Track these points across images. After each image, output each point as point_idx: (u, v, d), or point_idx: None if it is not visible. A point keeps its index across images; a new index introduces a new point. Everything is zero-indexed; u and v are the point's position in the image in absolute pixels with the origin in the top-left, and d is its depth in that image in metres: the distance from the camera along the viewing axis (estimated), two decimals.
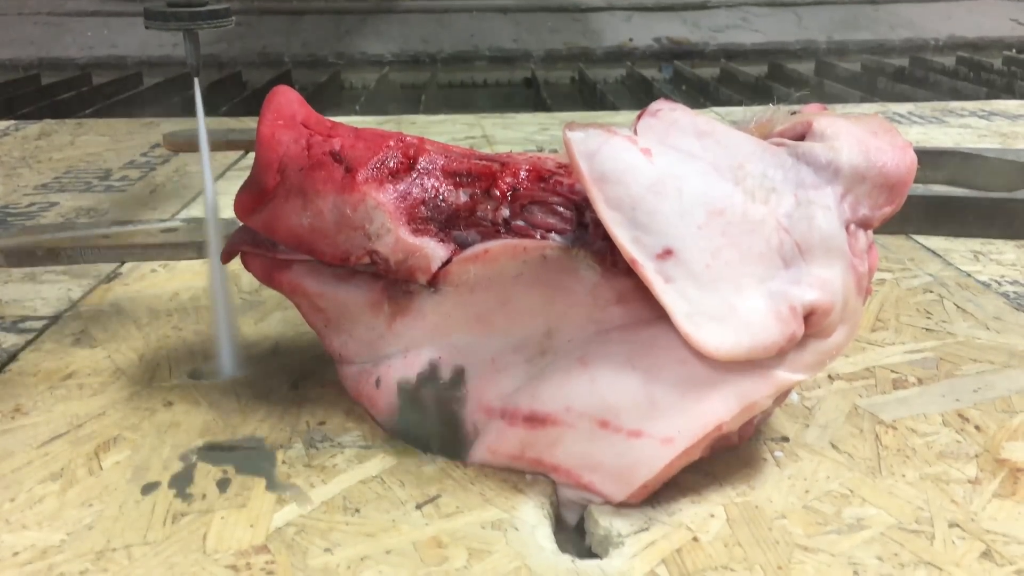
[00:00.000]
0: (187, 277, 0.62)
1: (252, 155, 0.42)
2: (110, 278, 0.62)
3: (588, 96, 1.88)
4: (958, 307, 0.56)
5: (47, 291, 0.60)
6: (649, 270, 0.34)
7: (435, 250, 0.38)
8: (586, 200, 0.36)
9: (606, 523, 0.35)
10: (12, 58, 1.97)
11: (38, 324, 0.54)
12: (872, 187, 0.36)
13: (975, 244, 0.68)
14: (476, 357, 0.38)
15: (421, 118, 1.24)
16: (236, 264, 0.44)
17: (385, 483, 0.38)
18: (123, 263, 0.65)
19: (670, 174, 0.35)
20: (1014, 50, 2.05)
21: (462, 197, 0.39)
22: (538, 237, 0.37)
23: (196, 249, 0.65)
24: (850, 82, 1.83)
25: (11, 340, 0.52)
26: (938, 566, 0.33)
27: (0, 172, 0.91)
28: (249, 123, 1.08)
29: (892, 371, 0.48)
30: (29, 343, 0.52)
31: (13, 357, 0.50)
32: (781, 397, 0.38)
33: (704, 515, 0.36)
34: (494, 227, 0.38)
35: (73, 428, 0.42)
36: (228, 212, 0.42)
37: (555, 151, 0.46)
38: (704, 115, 0.38)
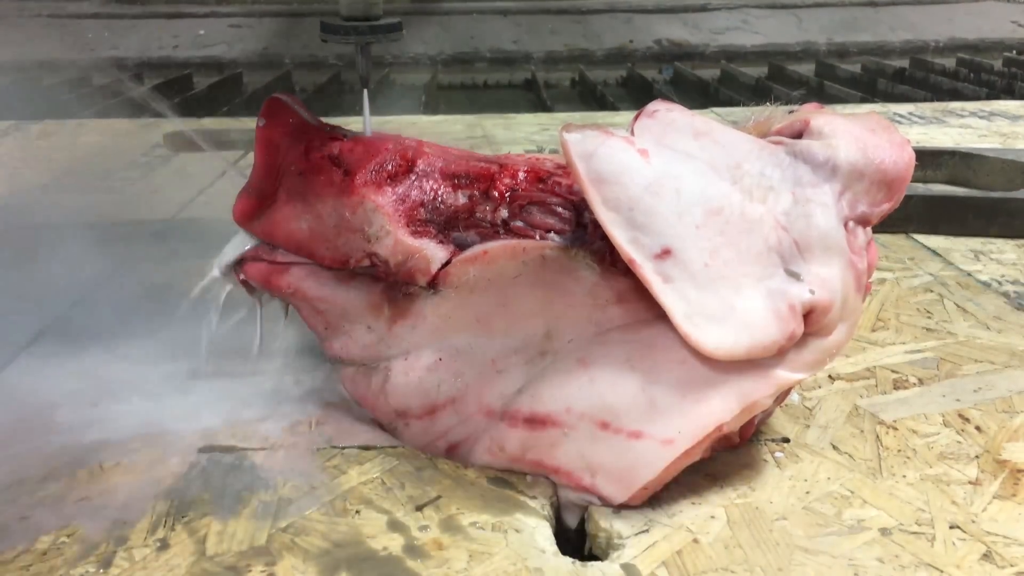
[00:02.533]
0: (187, 277, 0.62)
1: (251, 154, 0.42)
2: (111, 278, 0.62)
3: (588, 97, 1.88)
4: (958, 307, 0.56)
5: (48, 292, 0.59)
6: (648, 270, 0.34)
7: (434, 251, 0.38)
8: (584, 200, 0.36)
9: (606, 525, 0.35)
10: (13, 60, 1.97)
11: (39, 325, 0.54)
12: (870, 184, 0.36)
13: (975, 243, 0.68)
14: (476, 359, 0.38)
15: (422, 118, 1.24)
16: None
17: (385, 484, 0.38)
18: (122, 264, 0.64)
19: (667, 174, 0.35)
20: (1014, 51, 2.05)
21: (461, 199, 0.39)
22: (537, 237, 0.37)
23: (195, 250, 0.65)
24: (850, 83, 1.83)
25: (11, 341, 0.52)
26: (939, 568, 0.33)
27: (1, 172, 0.91)
28: (249, 123, 1.08)
29: (893, 371, 0.48)
30: (30, 345, 0.51)
31: (14, 359, 0.50)
32: (781, 396, 0.38)
33: (704, 516, 0.36)
34: (493, 228, 0.38)
35: (74, 430, 0.42)
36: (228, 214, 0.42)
37: (555, 151, 0.46)
38: (702, 115, 0.38)
